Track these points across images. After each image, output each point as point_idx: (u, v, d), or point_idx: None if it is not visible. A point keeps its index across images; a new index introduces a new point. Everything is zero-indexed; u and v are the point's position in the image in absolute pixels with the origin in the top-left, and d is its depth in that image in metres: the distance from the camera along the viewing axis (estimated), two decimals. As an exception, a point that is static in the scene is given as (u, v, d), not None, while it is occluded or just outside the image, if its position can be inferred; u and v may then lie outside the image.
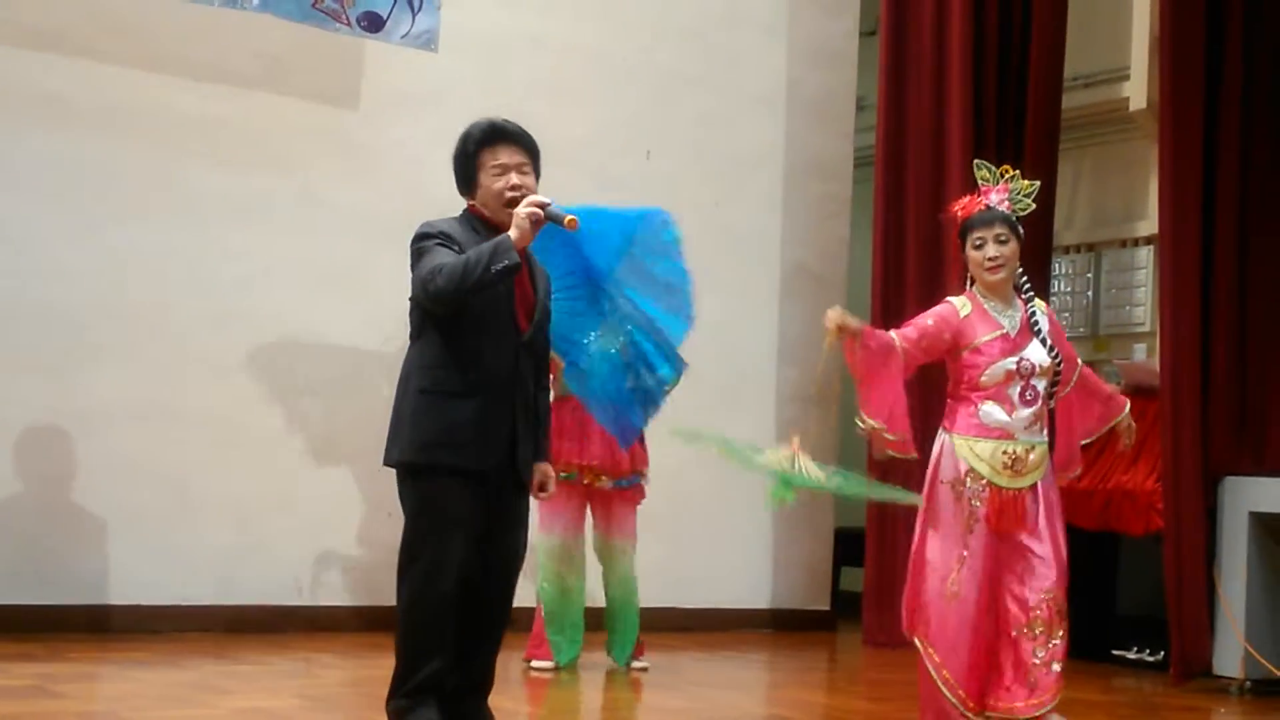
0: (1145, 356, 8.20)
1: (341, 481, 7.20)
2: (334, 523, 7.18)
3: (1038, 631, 4.79)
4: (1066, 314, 8.77)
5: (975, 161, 5.25)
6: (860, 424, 4.88)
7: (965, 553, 4.83)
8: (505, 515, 4.22)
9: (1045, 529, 4.87)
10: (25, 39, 6.60)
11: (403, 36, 7.24)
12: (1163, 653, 7.16)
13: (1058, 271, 8.83)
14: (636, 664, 6.44)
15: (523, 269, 4.10)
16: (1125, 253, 8.63)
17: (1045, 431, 4.94)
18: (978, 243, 4.95)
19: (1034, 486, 4.87)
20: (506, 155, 4.22)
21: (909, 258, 8.25)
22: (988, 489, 4.84)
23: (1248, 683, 6.69)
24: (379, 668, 6.19)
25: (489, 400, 4.11)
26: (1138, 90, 8.25)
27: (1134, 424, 5.25)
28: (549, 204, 4.04)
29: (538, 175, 4.29)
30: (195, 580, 6.80)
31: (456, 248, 4.10)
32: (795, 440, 4.74)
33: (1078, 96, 8.58)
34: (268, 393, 7.04)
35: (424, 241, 4.19)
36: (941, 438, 4.97)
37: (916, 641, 4.91)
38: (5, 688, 5.18)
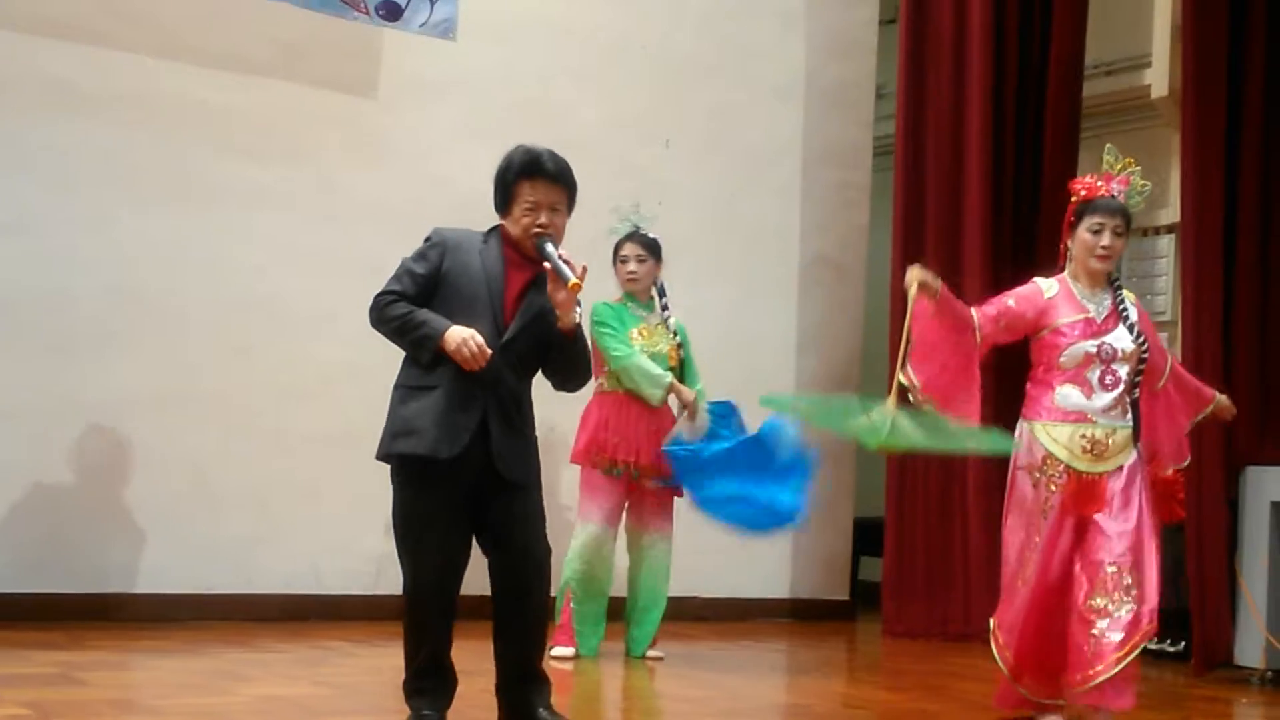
0: (1167, 346, 8.16)
1: (359, 469, 7.13)
2: (352, 511, 7.18)
3: (1101, 603, 4.74)
4: (1087, 303, 8.74)
5: (1106, 146, 5.17)
6: (901, 379, 4.82)
7: (1037, 539, 4.79)
8: (505, 512, 4.26)
9: (1121, 509, 4.81)
10: (39, 26, 6.61)
11: (421, 25, 7.23)
12: (1184, 643, 7.13)
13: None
14: (652, 653, 6.44)
15: (520, 279, 4.30)
16: (1146, 241, 8.59)
17: (1129, 416, 4.87)
18: (1095, 228, 4.89)
19: (1118, 470, 4.81)
20: (542, 192, 4.33)
21: (928, 246, 8.22)
22: (1066, 473, 4.80)
23: (1269, 673, 6.66)
24: (397, 656, 6.18)
25: (454, 392, 4.19)
26: (1159, 78, 8.20)
27: (1231, 405, 5.22)
28: (554, 252, 4.21)
29: (571, 207, 4.40)
30: (215, 569, 6.82)
31: (425, 270, 4.31)
32: (891, 400, 4.70)
33: (1099, 84, 8.54)
34: (285, 381, 7.05)
35: (415, 251, 4.40)
36: (1021, 426, 4.93)
37: (990, 623, 4.95)
38: (28, 675, 5.20)
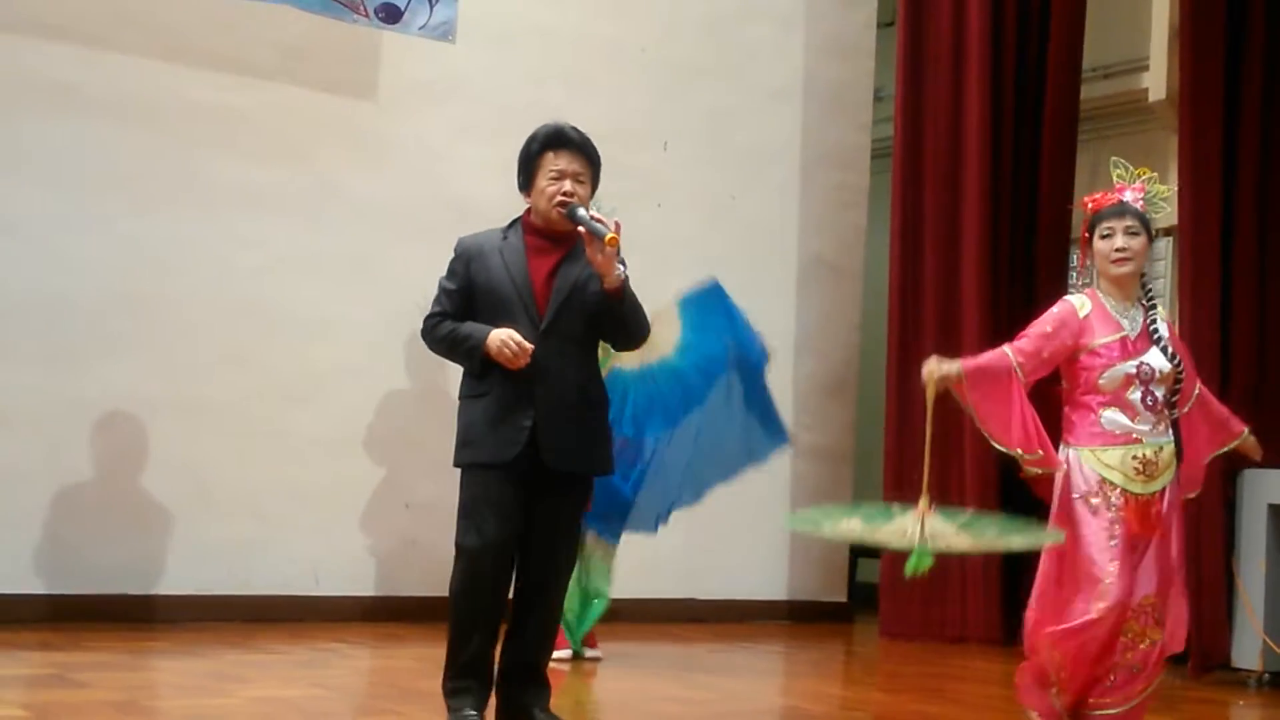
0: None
1: (358, 472, 7.22)
2: (351, 514, 7.19)
3: (1131, 635, 4.69)
4: (1084, 306, 8.74)
5: (1113, 159, 5.08)
6: (1007, 452, 4.70)
7: (1112, 566, 4.62)
8: (544, 504, 4.32)
9: (1164, 536, 4.71)
10: (39, 30, 6.61)
11: (421, 27, 7.24)
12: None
13: (1076, 264, 8.80)
14: (590, 652, 6.42)
15: (547, 263, 4.32)
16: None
17: (1169, 432, 4.79)
18: (1106, 233, 4.77)
19: (1163, 491, 4.69)
20: (566, 161, 4.35)
21: (926, 248, 8.24)
22: (1123, 496, 4.66)
23: (1266, 675, 6.67)
24: (395, 658, 6.22)
25: (503, 396, 4.26)
26: (1157, 81, 8.21)
27: (1258, 445, 5.08)
28: (585, 215, 4.23)
29: (595, 185, 4.42)
30: (213, 570, 6.82)
31: (455, 284, 4.38)
32: (922, 503, 4.47)
33: (1097, 87, 8.55)
34: (284, 384, 7.06)
35: (446, 270, 4.46)
36: (1065, 452, 4.76)
37: (1045, 648, 4.73)
38: (26, 677, 5.21)
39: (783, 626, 8.26)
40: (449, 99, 7.55)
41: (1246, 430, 5.02)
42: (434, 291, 4.50)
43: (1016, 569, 7.97)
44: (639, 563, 7.21)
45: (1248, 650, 6.73)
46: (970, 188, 8.08)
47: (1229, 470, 6.88)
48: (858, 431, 8.93)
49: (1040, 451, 4.70)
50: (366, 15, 7.10)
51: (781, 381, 8.59)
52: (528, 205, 4.45)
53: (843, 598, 8.76)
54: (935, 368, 4.60)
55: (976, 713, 5.72)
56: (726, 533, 8.25)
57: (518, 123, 7.41)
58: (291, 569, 7.03)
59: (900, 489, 8.21)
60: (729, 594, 8.26)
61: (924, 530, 4.40)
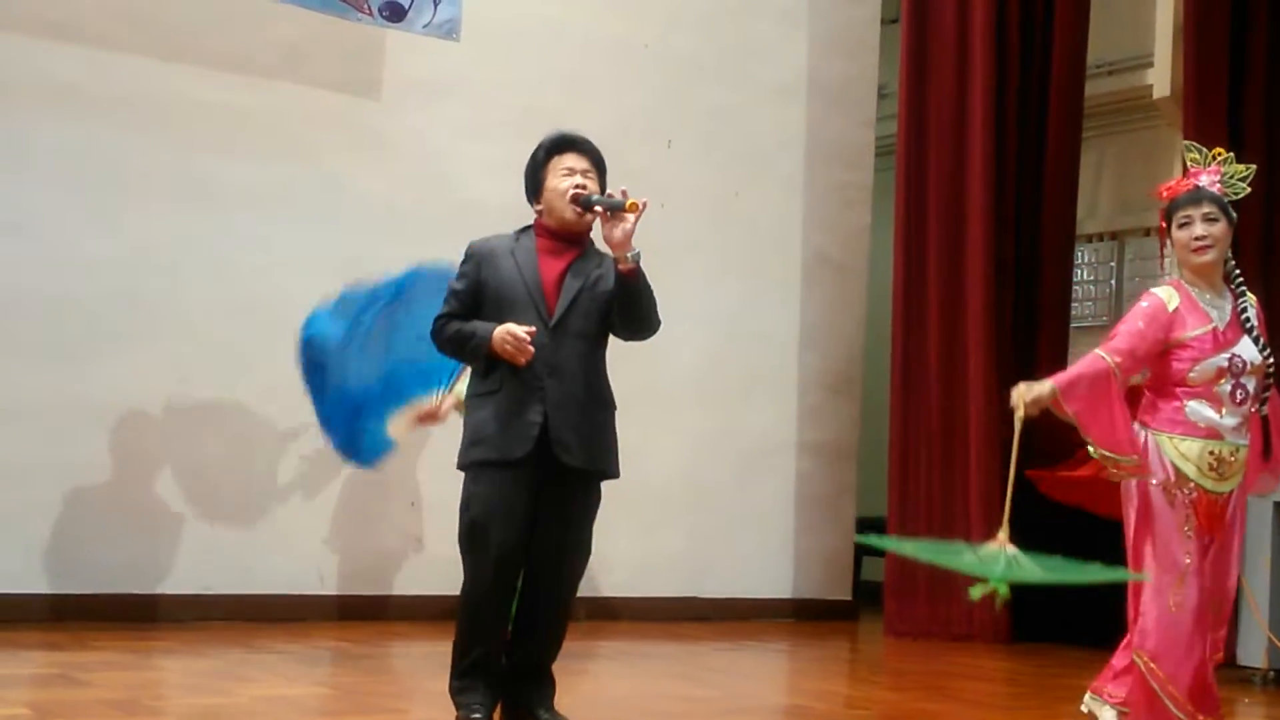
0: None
1: (363, 471, 7.20)
2: (355, 512, 7.19)
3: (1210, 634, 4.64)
4: (1090, 303, 8.74)
5: (1185, 144, 4.92)
6: (1094, 453, 4.52)
7: (1188, 560, 4.51)
8: (553, 504, 4.32)
9: (1233, 538, 4.64)
10: (41, 29, 6.61)
11: (425, 26, 7.24)
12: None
13: (1081, 260, 8.80)
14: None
15: (559, 264, 4.36)
16: (1149, 241, 8.57)
17: (1248, 434, 4.59)
18: (1183, 222, 4.61)
19: (1234, 491, 4.58)
20: (574, 160, 4.43)
21: (930, 245, 8.23)
22: (1196, 491, 4.55)
23: (1271, 672, 6.66)
24: (399, 656, 6.22)
25: (512, 393, 4.28)
26: (1161, 78, 8.20)
27: None
28: (591, 196, 4.32)
29: (602, 186, 4.46)
30: (217, 569, 6.82)
31: (465, 286, 4.41)
32: (1002, 535, 4.25)
33: (1101, 84, 8.54)
34: (288, 382, 7.01)
35: (456, 271, 4.50)
36: (1142, 434, 4.60)
37: (1136, 658, 4.59)
38: (31, 676, 5.21)
39: (787, 625, 8.25)
40: (453, 97, 7.55)
41: None
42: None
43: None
44: (642, 562, 7.23)
45: (1253, 648, 6.72)
46: (974, 185, 8.07)
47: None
48: (862, 429, 8.92)
49: (1138, 457, 4.53)
50: (370, 13, 7.10)
51: (786, 379, 8.61)
52: (537, 213, 4.47)
53: (847, 596, 8.76)
54: (1025, 392, 4.39)
55: (982, 711, 5.71)
56: (730, 531, 8.25)
57: (521, 121, 7.52)
58: (295, 568, 7.03)
59: (905, 488, 8.22)
60: (733, 592, 8.26)
61: (1006, 561, 4.16)
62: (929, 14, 8.32)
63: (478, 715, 4.25)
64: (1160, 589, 4.54)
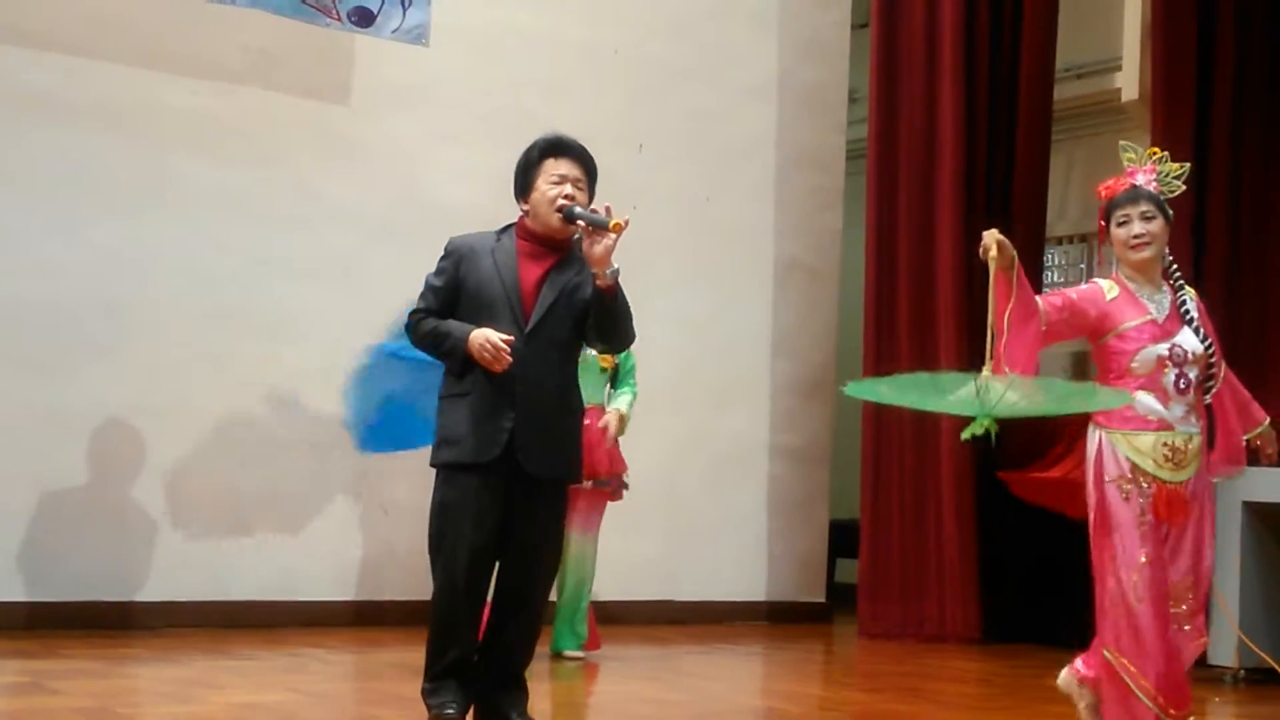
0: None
1: (335, 477, 7.20)
2: (327, 518, 7.17)
3: (1185, 626, 4.66)
4: (1059, 305, 8.77)
5: (1121, 143, 5.04)
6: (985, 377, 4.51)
7: (1143, 556, 4.59)
8: (522, 509, 4.33)
9: (1199, 526, 4.73)
10: (12, 36, 6.58)
11: (393, 31, 7.23)
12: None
13: (1050, 262, 8.85)
14: (573, 653, 6.44)
15: (538, 269, 4.37)
16: (1117, 244, 8.63)
17: (1199, 422, 4.78)
18: (1122, 220, 4.74)
19: (1193, 479, 4.66)
20: (566, 167, 4.43)
21: (901, 249, 8.26)
22: (1153, 484, 4.63)
23: (1242, 672, 6.69)
24: (372, 663, 6.21)
25: (484, 397, 4.28)
26: (1130, 81, 8.25)
27: (1274, 436, 5.06)
28: (584, 211, 4.32)
29: (592, 195, 4.47)
30: (189, 576, 6.79)
31: (443, 282, 4.41)
32: (985, 370, 4.36)
33: (1070, 87, 8.59)
34: (260, 388, 7.04)
35: (435, 267, 4.49)
36: (1096, 434, 4.70)
37: (1106, 654, 4.66)
38: (2, 685, 5.18)
39: (761, 627, 8.27)
40: (423, 102, 7.54)
41: (1267, 420, 4.98)
42: (410, 294, 4.51)
43: (994, 566, 8.01)
44: (617, 565, 7.22)
45: (1223, 647, 6.74)
46: (944, 188, 8.10)
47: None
48: (835, 433, 8.94)
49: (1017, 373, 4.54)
50: (339, 19, 7.09)
51: (758, 383, 8.63)
52: (522, 212, 4.48)
53: (821, 598, 8.78)
54: (1000, 235, 4.46)
55: (955, 712, 5.74)
56: (704, 534, 8.26)
57: (492, 126, 7.53)
58: (269, 574, 7.01)
59: (878, 490, 8.24)
60: (707, 595, 8.27)
61: (989, 394, 4.23)
62: (899, 18, 8.35)
63: (450, 711, 4.25)
64: (1123, 586, 4.61)
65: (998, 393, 4.21)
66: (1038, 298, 4.66)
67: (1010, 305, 4.56)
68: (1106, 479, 4.66)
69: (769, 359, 8.64)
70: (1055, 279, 8.86)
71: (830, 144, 8.98)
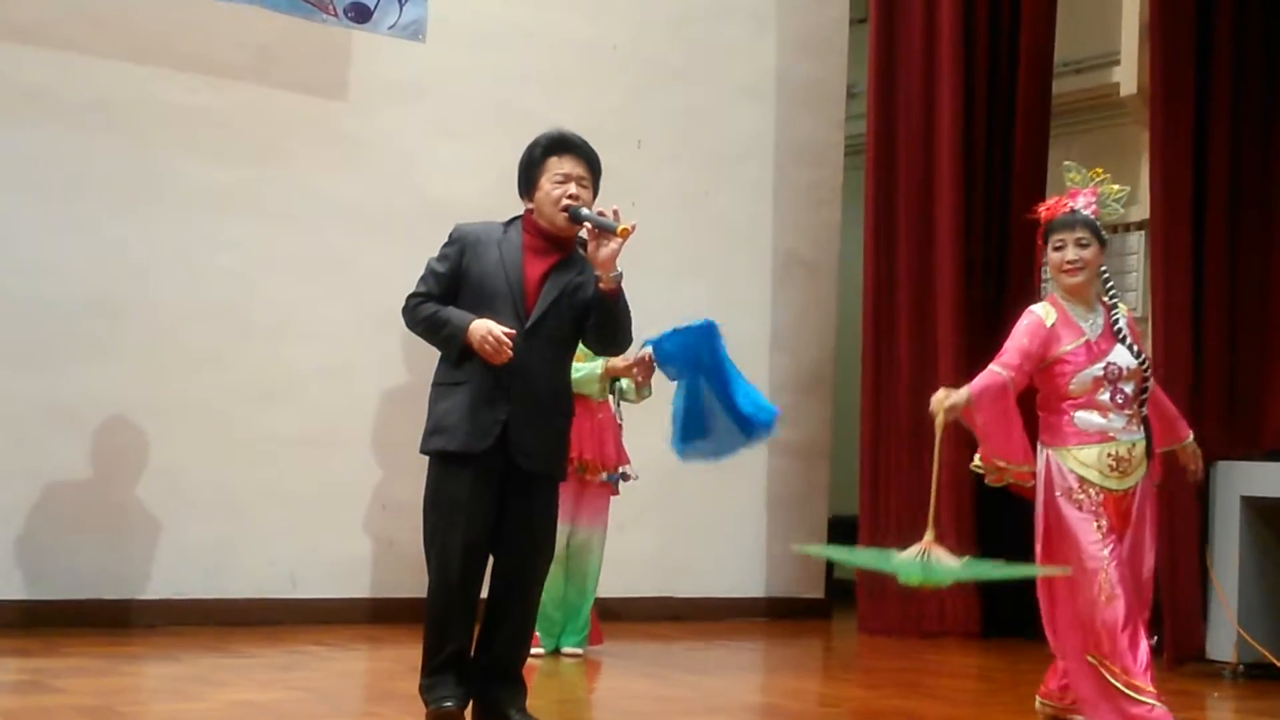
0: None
1: (334, 473, 7.20)
2: (327, 515, 7.17)
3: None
4: (1058, 300, 8.76)
5: (1065, 164, 5.12)
6: (977, 469, 4.88)
7: (1106, 553, 4.71)
8: (515, 504, 4.33)
9: (1143, 528, 4.81)
10: (7, 32, 6.57)
11: (390, 27, 7.22)
12: (1156, 637, 7.12)
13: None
14: (575, 650, 6.43)
15: (542, 265, 4.36)
16: (1116, 238, 8.60)
17: (1141, 429, 4.86)
18: (1058, 245, 4.89)
19: (1136, 485, 4.79)
20: (570, 165, 4.42)
21: (900, 245, 8.25)
22: (1102, 494, 4.76)
23: (1241, 666, 6.69)
24: (372, 659, 6.21)
25: (481, 387, 4.28)
26: (1128, 75, 8.23)
27: (1199, 453, 5.16)
28: (591, 213, 4.31)
29: (596, 191, 4.47)
30: (188, 574, 6.79)
31: (446, 268, 4.39)
32: (927, 537, 4.54)
33: (1068, 82, 8.57)
34: (258, 385, 7.04)
35: (438, 252, 4.47)
36: (1044, 454, 4.85)
37: (1091, 660, 4.76)
38: (2, 683, 5.19)
39: (761, 624, 8.27)
40: (420, 98, 7.54)
41: (1190, 436, 5.12)
42: (409, 289, 4.49)
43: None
44: (617, 561, 7.22)
45: (1222, 642, 6.76)
46: (943, 184, 8.10)
47: (1202, 462, 6.90)
48: (834, 429, 8.94)
49: (1030, 466, 4.85)
50: (336, 15, 7.08)
51: (757, 379, 8.54)
52: (526, 209, 4.47)
53: (820, 594, 8.78)
54: (943, 398, 4.65)
55: (955, 707, 5.74)
56: (704, 530, 8.26)
57: (489, 122, 7.53)
58: (268, 572, 7.00)
59: (877, 486, 8.24)
60: (707, 592, 8.27)
61: (929, 560, 4.47)
62: (897, 14, 8.34)
63: (448, 704, 4.26)
64: (1092, 590, 4.72)
65: (941, 562, 4.46)
66: (996, 368, 4.79)
67: (984, 425, 4.79)
68: (1057, 493, 4.80)
69: (768, 354, 8.64)
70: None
71: (829, 139, 8.98)
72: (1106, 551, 4.71)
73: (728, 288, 8.48)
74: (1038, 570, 4.81)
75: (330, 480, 7.19)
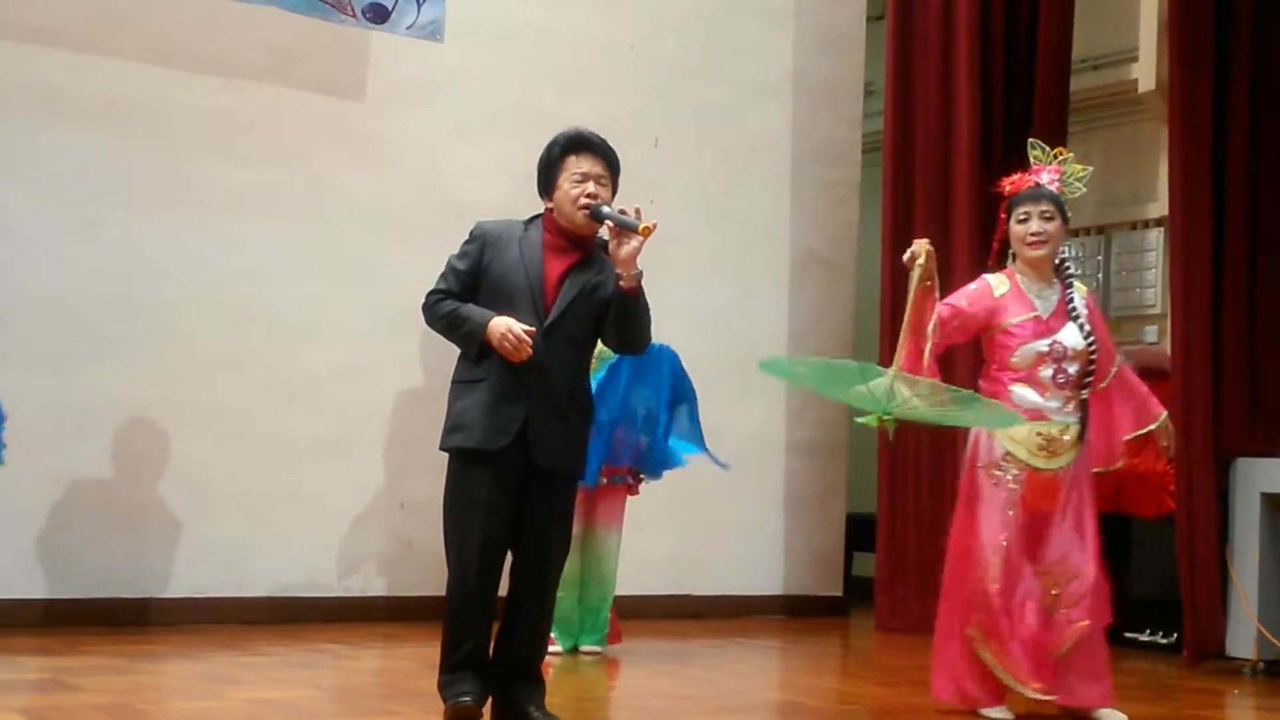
0: (1156, 339, 8.18)
1: (353, 473, 7.22)
2: (345, 515, 7.19)
3: (1055, 593, 4.87)
4: (1077, 297, 8.74)
5: (1029, 140, 5.23)
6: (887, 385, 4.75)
7: (1004, 539, 4.80)
8: (534, 501, 4.34)
9: (1075, 511, 4.88)
10: (27, 34, 6.61)
11: (408, 27, 7.24)
12: (1176, 635, 7.15)
13: (1068, 254, 8.79)
14: (595, 649, 6.45)
15: (562, 263, 4.37)
16: (1135, 235, 8.60)
17: (1078, 413, 4.91)
18: (1022, 217, 4.96)
19: (1068, 467, 4.88)
20: (589, 164, 4.42)
21: (918, 242, 8.22)
22: (1025, 471, 4.84)
23: (1261, 664, 6.67)
24: (390, 658, 6.23)
25: (500, 385, 4.28)
26: (1146, 72, 8.21)
27: (1173, 431, 5.20)
28: (611, 210, 4.31)
29: (615, 189, 4.47)
30: (207, 573, 6.82)
31: (466, 265, 4.40)
32: (893, 369, 4.64)
33: (1086, 78, 8.55)
34: (277, 385, 7.06)
35: (459, 249, 4.48)
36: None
37: (969, 633, 4.89)
38: (22, 681, 5.21)
39: (778, 621, 8.26)
40: (438, 98, 7.55)
41: (1164, 414, 5.16)
42: (426, 289, 4.50)
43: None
44: (634, 560, 7.23)
45: (1242, 639, 6.74)
46: (961, 180, 8.08)
47: (1222, 459, 6.90)
48: (851, 427, 8.92)
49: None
50: (354, 15, 7.09)
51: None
52: (546, 208, 4.48)
53: (838, 592, 8.77)
54: (927, 245, 4.80)
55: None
56: (721, 528, 8.26)
57: (507, 121, 7.54)
58: (286, 571, 7.03)
59: (895, 484, 8.23)
60: (724, 589, 8.27)
61: (891, 393, 4.54)
62: (914, 10, 8.33)
63: (466, 700, 4.26)
64: (983, 567, 4.87)
65: (903, 395, 4.45)
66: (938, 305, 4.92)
67: (931, 317, 4.88)
68: (978, 464, 4.92)
69: (786, 352, 8.62)
70: (1072, 271, 8.79)
71: (846, 137, 8.96)
72: (1004, 541, 4.80)
73: (745, 286, 8.48)
74: (1000, 417, 4.80)
75: (349, 480, 7.21)
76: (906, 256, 4.80)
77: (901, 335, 4.81)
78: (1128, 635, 7.45)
